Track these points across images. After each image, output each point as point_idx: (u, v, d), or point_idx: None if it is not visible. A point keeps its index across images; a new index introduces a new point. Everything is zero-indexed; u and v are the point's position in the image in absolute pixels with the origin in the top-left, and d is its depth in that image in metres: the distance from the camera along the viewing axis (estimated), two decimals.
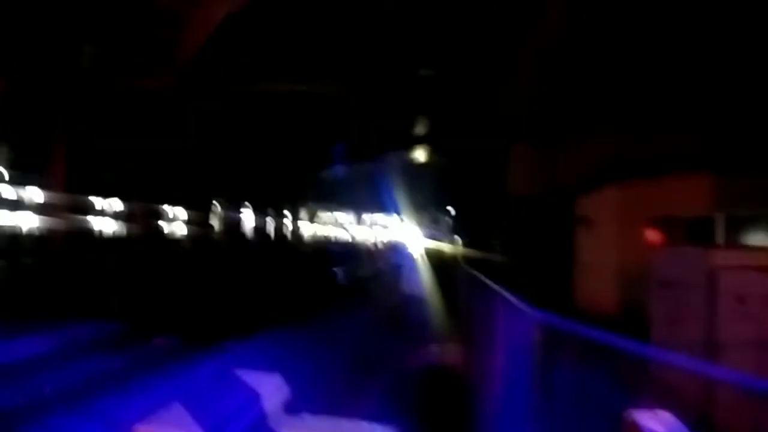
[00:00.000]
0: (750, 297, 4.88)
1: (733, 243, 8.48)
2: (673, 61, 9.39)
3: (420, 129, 25.44)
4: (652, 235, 9.74)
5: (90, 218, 18.47)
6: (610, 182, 10.47)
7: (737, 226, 8.79)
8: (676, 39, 8.95)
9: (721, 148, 9.65)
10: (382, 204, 45.57)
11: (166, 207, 24.82)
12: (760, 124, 9.13)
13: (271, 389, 2.72)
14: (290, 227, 36.72)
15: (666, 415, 1.38)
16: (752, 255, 5.87)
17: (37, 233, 19.19)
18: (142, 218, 18.54)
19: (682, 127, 10.64)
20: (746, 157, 9.01)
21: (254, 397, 2.57)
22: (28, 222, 22.91)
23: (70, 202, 15.55)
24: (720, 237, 8.67)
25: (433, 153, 29.00)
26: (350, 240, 64.21)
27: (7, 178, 20.72)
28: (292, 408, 2.86)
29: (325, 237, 60.10)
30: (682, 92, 10.04)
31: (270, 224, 32.85)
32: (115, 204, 23.36)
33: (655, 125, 11.03)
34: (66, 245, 15.58)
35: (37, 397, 6.79)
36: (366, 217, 69.58)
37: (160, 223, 22.30)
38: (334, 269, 30.66)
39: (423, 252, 28.34)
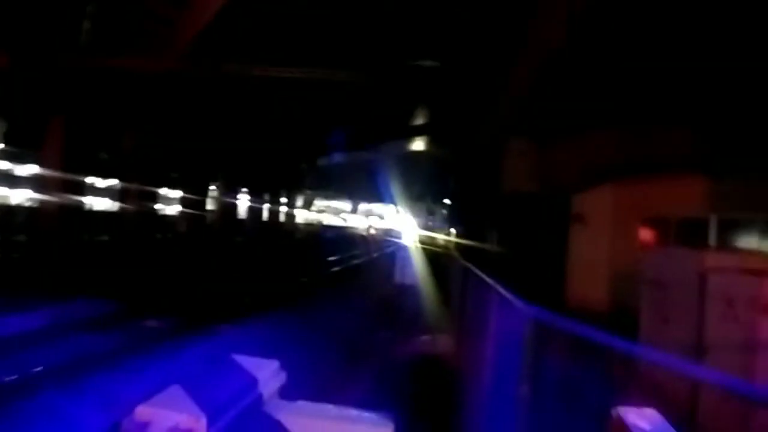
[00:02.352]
0: (738, 300, 4.95)
1: (724, 245, 8.58)
2: (672, 62, 9.43)
3: (419, 120, 25.40)
4: (645, 235, 9.83)
5: (85, 197, 18.41)
6: (606, 181, 10.54)
7: (729, 228, 8.88)
8: (675, 39, 8.97)
9: (717, 150, 9.73)
10: (378, 193, 45.57)
11: (163, 189, 24.78)
12: (756, 127, 9.21)
13: (267, 375, 2.77)
14: (286, 213, 36.69)
15: (651, 413, 1.44)
16: (743, 258, 5.95)
17: (31, 210, 19.16)
18: (137, 199, 18.48)
19: (679, 128, 10.71)
20: (741, 160, 9.10)
21: (251, 382, 2.62)
22: (22, 198, 22.85)
23: (65, 180, 15.49)
24: (712, 239, 8.76)
25: (431, 144, 28.98)
26: (345, 227, 64.27)
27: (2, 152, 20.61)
28: (288, 394, 2.92)
29: (321, 224, 60.15)
30: (680, 93, 10.09)
31: (266, 209, 32.82)
32: (111, 184, 23.31)
33: (652, 125, 11.09)
34: (60, 223, 15.55)
35: (34, 377, 6.84)
36: (362, 205, 69.60)
37: (156, 204, 22.27)
38: (328, 256, 30.76)
39: (418, 242, 28.44)
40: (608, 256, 10.05)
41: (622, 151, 11.06)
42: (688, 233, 9.10)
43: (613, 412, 1.49)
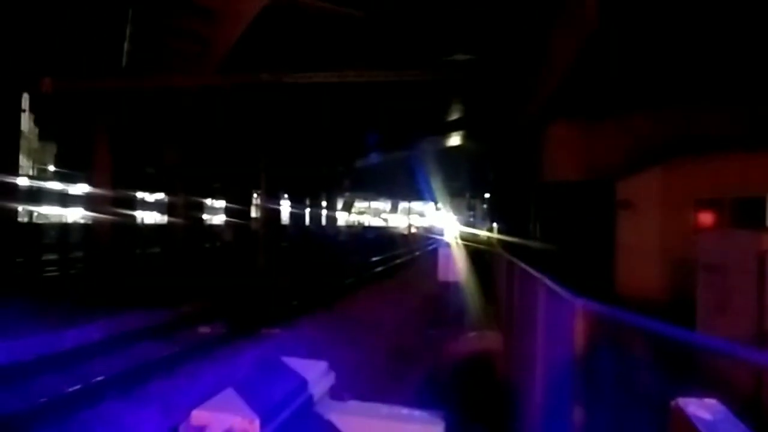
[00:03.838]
0: None
1: None
2: (721, 34, 8.99)
3: (455, 114, 25.20)
4: (698, 218, 9.45)
5: (135, 211, 19.13)
6: (651, 164, 10.19)
7: None
8: (725, 9, 8.55)
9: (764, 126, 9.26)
10: (417, 191, 45.52)
11: (208, 200, 25.47)
12: None
13: (317, 376, 2.80)
14: (327, 216, 37.09)
15: (713, 403, 1.38)
16: None
17: (85, 227, 20.04)
18: (184, 210, 19.07)
19: (723, 107, 10.25)
20: None
21: (302, 383, 2.66)
22: (76, 216, 23.94)
23: (115, 197, 16.14)
24: None
25: (468, 139, 28.70)
26: (386, 227, 64.47)
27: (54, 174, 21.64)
28: (338, 395, 2.95)
29: (362, 225, 60.51)
30: (727, 69, 9.64)
31: (307, 214, 33.27)
32: (158, 198, 24.13)
33: (697, 105, 10.65)
34: (112, 237, 16.22)
35: (94, 384, 7.15)
36: (402, 204, 69.65)
37: (202, 215, 22.92)
38: (371, 257, 30.91)
39: (459, 238, 28.23)
40: (659, 241, 9.72)
41: (668, 133, 10.68)
42: (744, 214, 8.70)
43: (673, 403, 1.44)
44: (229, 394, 2.40)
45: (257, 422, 2.20)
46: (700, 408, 1.31)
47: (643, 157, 10.55)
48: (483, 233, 29.26)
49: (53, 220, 25.49)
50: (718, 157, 9.13)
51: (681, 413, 1.33)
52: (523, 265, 5.91)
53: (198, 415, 2.24)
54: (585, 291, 2.86)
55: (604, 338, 2.65)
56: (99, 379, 7.34)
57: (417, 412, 2.74)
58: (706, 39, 8.91)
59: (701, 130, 10.29)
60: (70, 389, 6.90)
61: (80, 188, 21.66)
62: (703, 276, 6.12)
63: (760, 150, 8.74)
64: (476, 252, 19.93)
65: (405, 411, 2.75)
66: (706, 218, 9.38)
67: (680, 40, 9.13)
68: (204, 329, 10.86)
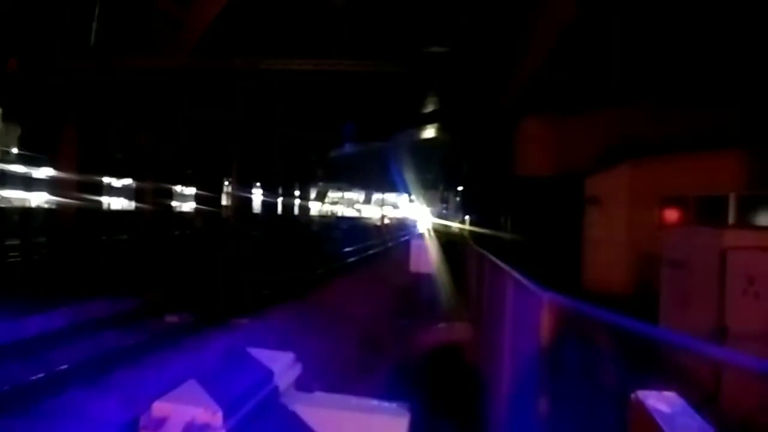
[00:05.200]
0: (760, 277, 4.86)
1: (745, 223, 8.42)
2: (689, 34, 9.19)
3: (430, 107, 25.22)
4: (663, 215, 9.68)
5: (102, 197, 18.64)
6: (621, 160, 10.38)
7: (750, 206, 8.71)
8: (691, 11, 8.74)
9: (746, 125, 9.51)
10: (391, 183, 45.53)
11: (177, 187, 24.98)
12: None
13: (283, 367, 2.77)
14: (300, 206, 36.81)
15: (672, 396, 1.40)
16: (764, 235, 5.83)
17: (49, 211, 19.45)
18: (152, 197, 18.66)
19: (697, 105, 10.50)
20: (759, 136, 8.89)
21: (267, 374, 2.62)
22: (40, 200, 23.23)
23: (81, 181, 15.69)
24: (732, 217, 8.60)
25: (443, 131, 28.79)
26: (360, 218, 64.39)
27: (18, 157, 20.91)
28: (305, 386, 2.92)
29: (335, 215, 60.32)
30: (696, 69, 9.87)
31: (280, 203, 32.96)
32: (126, 183, 23.57)
33: (665, 104, 10.89)
34: (78, 223, 15.78)
35: (55, 373, 6.97)
36: (375, 195, 69.63)
37: (172, 202, 22.47)
38: (343, 247, 30.85)
39: (432, 230, 28.40)
40: (625, 237, 9.92)
41: (636, 131, 10.89)
42: (707, 211, 8.94)
43: (633, 396, 1.46)
44: (191, 386, 2.35)
45: (220, 414, 2.16)
46: (659, 401, 1.33)
47: (612, 154, 10.75)
48: (455, 225, 29.49)
49: (16, 204, 24.67)
50: (684, 156, 9.34)
51: (640, 406, 1.35)
52: (492, 258, 5.96)
53: (159, 407, 2.19)
54: (553, 284, 2.89)
55: (570, 331, 2.68)
56: (60, 368, 7.16)
57: (383, 404, 2.73)
58: (677, 39, 9.10)
59: (670, 128, 10.53)
60: (32, 378, 6.72)
61: (45, 172, 21.02)
62: (666, 271, 6.28)
63: (724, 150, 8.98)
64: (449, 243, 20.07)
65: (371, 402, 2.75)
66: (671, 215, 9.61)
67: (652, 37, 9.30)
68: (170, 318, 10.68)
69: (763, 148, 8.63)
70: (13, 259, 17.63)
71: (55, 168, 16.31)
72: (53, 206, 17.20)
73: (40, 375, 6.84)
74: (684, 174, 9.42)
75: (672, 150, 9.44)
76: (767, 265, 4.82)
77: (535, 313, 2.91)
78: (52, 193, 17.38)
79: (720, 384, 4.63)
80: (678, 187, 9.47)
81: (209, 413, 2.16)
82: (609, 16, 8.68)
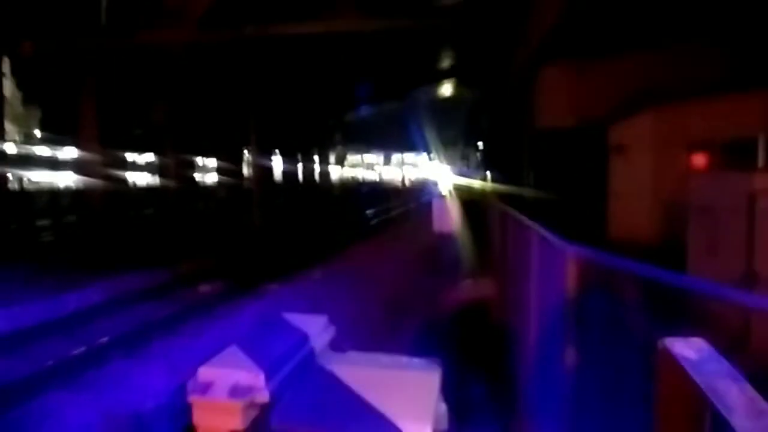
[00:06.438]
0: None
1: None
2: None
3: (446, 63, 24.73)
4: (690, 161, 9.48)
5: (125, 173, 18.96)
6: (643, 108, 10.12)
7: None
8: None
9: (760, 67, 9.15)
10: (410, 143, 45.20)
11: (198, 159, 25.21)
12: None
13: (317, 330, 2.87)
14: (320, 172, 36.92)
15: (699, 342, 1.43)
16: None
17: (76, 192, 19.91)
18: (175, 170, 18.91)
19: (716, 47, 10.10)
20: None
21: (303, 337, 2.73)
22: (67, 181, 23.73)
23: (104, 159, 15.97)
24: (761, 160, 8.38)
25: (460, 87, 28.28)
26: (379, 181, 64.33)
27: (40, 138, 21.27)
28: (338, 346, 3.04)
29: (355, 179, 60.36)
30: (717, 15, 9.45)
31: (299, 170, 33.09)
32: (148, 159, 23.87)
33: (687, 45, 10.50)
34: (105, 201, 16.15)
35: (98, 346, 7.30)
36: (395, 156, 69.27)
37: (194, 174, 22.74)
38: (365, 210, 31.01)
39: (453, 189, 28.30)
40: (652, 185, 9.77)
41: (658, 76, 10.56)
42: (735, 155, 8.72)
43: (660, 343, 1.49)
44: (233, 351, 2.47)
45: (262, 376, 2.27)
46: (686, 347, 1.37)
47: (635, 101, 10.47)
48: (477, 183, 29.29)
49: (44, 186, 25.25)
50: (710, 100, 9.06)
51: (667, 353, 1.39)
52: (516, 214, 5.96)
53: (205, 372, 2.31)
54: (579, 237, 2.91)
55: (597, 284, 2.71)
56: (103, 340, 7.48)
57: (415, 360, 2.83)
58: None
59: (693, 71, 10.17)
60: (75, 351, 7.04)
61: (69, 152, 21.39)
62: (694, 218, 6.20)
63: (751, 91, 8.67)
64: (470, 202, 20.02)
65: (403, 359, 2.85)
66: (698, 161, 9.40)
67: None
68: (204, 288, 11.00)
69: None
70: (46, 240, 18.22)
71: (78, 148, 16.60)
72: (80, 186, 17.61)
73: (82, 348, 7.14)
74: (710, 118, 9.16)
75: (696, 94, 9.15)
76: None
77: (560, 266, 2.94)
78: (77, 173, 17.75)
79: (749, 330, 4.63)
80: (704, 132, 9.23)
81: (252, 375, 2.28)
82: None
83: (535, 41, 13.04)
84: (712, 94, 8.99)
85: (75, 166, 18.47)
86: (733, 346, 4.32)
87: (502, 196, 14.06)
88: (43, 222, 19.90)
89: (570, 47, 12.54)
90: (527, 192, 14.57)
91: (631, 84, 11.07)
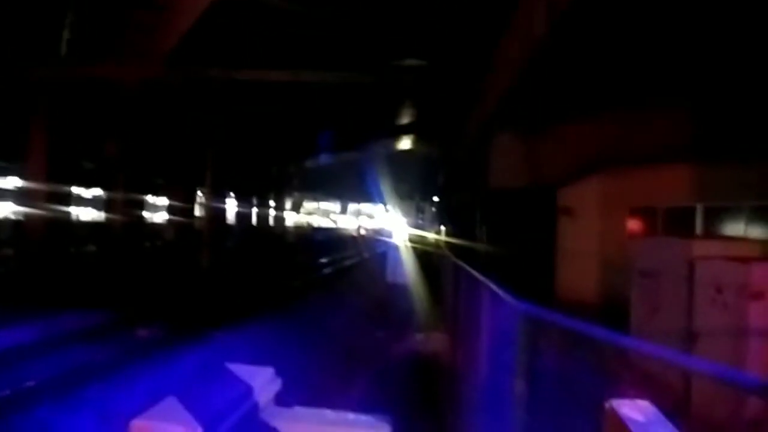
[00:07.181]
0: (727, 287, 5.02)
1: (711, 233, 8.67)
2: (656, 51, 9.47)
3: (406, 118, 25.43)
4: (633, 226, 9.92)
5: (71, 208, 18.19)
6: (591, 173, 10.62)
7: (716, 216, 8.98)
8: (659, 29, 9.02)
9: (702, 138, 9.81)
10: (367, 193, 45.54)
11: (149, 197, 24.53)
12: (742, 114, 9.29)
13: (262, 382, 2.76)
14: (275, 216, 36.52)
15: (645, 405, 1.45)
16: (731, 245, 6.03)
17: (16, 222, 18.92)
18: (123, 207, 18.28)
19: (663, 116, 10.80)
20: (726, 147, 9.18)
21: (246, 390, 2.61)
22: (7, 211, 22.56)
23: (50, 191, 15.31)
24: (699, 227, 8.86)
25: (418, 142, 29.03)
26: (336, 229, 64.13)
27: None
28: (284, 401, 2.91)
29: (310, 225, 59.96)
30: (663, 84, 10.17)
31: (254, 214, 32.64)
32: (96, 194, 23.05)
33: (636, 114, 11.19)
34: (46, 235, 15.37)
35: (26, 389, 6.75)
36: (351, 206, 69.50)
37: (143, 212, 22.03)
38: (319, 258, 30.68)
39: (408, 241, 28.49)
40: (597, 247, 10.13)
41: (607, 142, 11.15)
42: (675, 222, 9.19)
43: (607, 404, 1.51)
44: (170, 402, 2.32)
45: (200, 431, 2.14)
46: (633, 409, 1.38)
47: (585, 166, 10.98)
48: (431, 236, 29.62)
49: None
50: (652, 167, 9.61)
51: (614, 414, 1.40)
52: (468, 269, 6.02)
53: (138, 425, 2.16)
54: (528, 294, 2.95)
55: (545, 340, 2.74)
56: (31, 383, 6.94)
57: (363, 417, 2.74)
58: (649, 44, 9.33)
59: (637, 140, 10.80)
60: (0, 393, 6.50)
61: (12, 182, 20.45)
62: (637, 281, 6.43)
63: (691, 162, 9.27)
64: (424, 254, 20.16)
65: (351, 416, 2.75)
66: (640, 226, 9.86)
67: (624, 49, 9.54)
68: (142, 332, 10.47)
69: (710, 160, 8.92)
70: None
71: (24, 178, 15.90)
72: (21, 217, 16.74)
73: (6, 392, 6.60)
74: (650, 185, 9.68)
75: (647, 161, 9.68)
76: (734, 274, 4.98)
77: (510, 323, 2.96)
78: (19, 204, 16.92)
79: (689, 391, 4.75)
80: (646, 199, 9.72)
81: (189, 430, 2.14)
82: (580, 33, 8.91)
83: (491, 106, 13.65)
84: (654, 163, 9.54)
85: (18, 196, 17.62)
86: (675, 407, 4.41)
87: (455, 249, 14.24)
88: None
89: (523, 114, 13.19)
90: (480, 246, 14.84)
91: (582, 149, 11.64)
